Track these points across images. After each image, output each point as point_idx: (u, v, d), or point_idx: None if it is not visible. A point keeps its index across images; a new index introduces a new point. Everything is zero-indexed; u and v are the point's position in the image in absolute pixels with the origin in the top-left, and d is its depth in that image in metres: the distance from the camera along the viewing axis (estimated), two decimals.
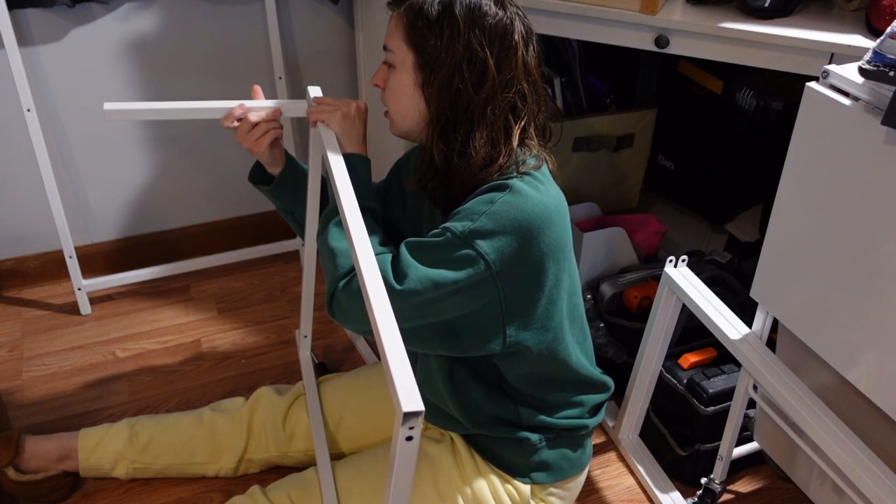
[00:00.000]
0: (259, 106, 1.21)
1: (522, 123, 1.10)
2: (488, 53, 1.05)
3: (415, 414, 0.70)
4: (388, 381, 0.74)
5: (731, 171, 1.95)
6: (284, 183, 1.30)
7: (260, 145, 1.22)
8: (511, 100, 1.08)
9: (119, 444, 1.46)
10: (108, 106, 1.18)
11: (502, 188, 1.05)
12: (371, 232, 1.10)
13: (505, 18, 1.06)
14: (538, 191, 1.07)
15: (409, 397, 0.71)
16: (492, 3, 1.06)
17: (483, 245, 1.02)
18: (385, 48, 1.12)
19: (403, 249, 1.06)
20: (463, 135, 1.07)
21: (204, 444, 1.47)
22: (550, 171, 1.14)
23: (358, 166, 1.15)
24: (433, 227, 1.08)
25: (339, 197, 1.01)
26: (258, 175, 1.32)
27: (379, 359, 1.65)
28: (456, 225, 1.04)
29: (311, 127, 1.21)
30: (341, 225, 1.05)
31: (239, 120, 1.20)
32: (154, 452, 1.46)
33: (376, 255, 1.07)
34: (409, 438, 0.71)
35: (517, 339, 1.10)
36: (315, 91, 1.24)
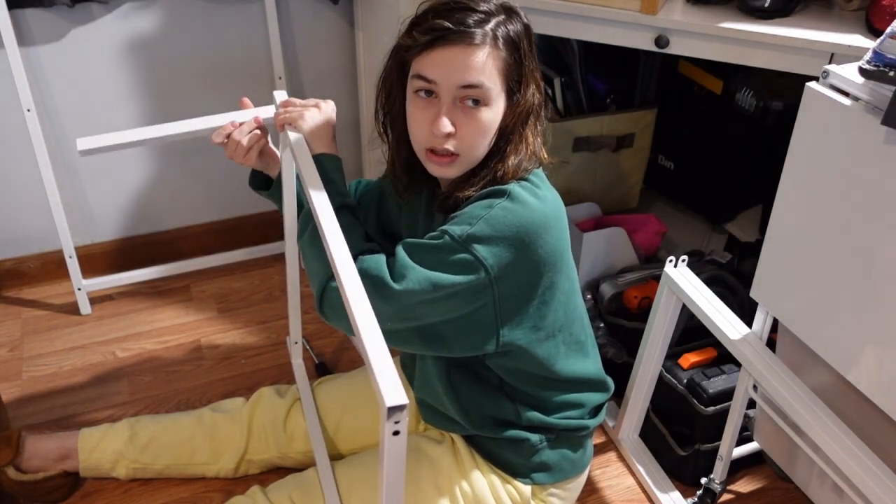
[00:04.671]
0: (233, 119, 1.20)
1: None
2: (535, 63, 1.08)
3: (399, 408, 0.70)
4: (371, 376, 0.74)
5: (731, 171, 1.95)
6: (281, 187, 1.30)
7: (249, 159, 1.23)
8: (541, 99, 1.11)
9: (119, 444, 1.46)
10: (81, 143, 1.15)
11: (500, 194, 1.05)
12: (352, 229, 1.10)
13: (527, 21, 1.08)
14: (536, 196, 1.07)
15: (393, 391, 0.71)
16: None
17: (481, 250, 1.02)
18: (468, 87, 1.02)
19: (401, 250, 1.06)
20: (515, 143, 1.08)
21: (204, 444, 1.47)
22: (545, 173, 1.14)
23: (328, 166, 1.14)
24: (430, 229, 1.09)
25: (311, 202, 1.01)
26: (257, 180, 1.33)
27: None
28: (454, 228, 1.03)
29: (280, 131, 1.20)
30: None
31: (227, 136, 1.19)
32: (154, 452, 1.46)
33: (366, 251, 1.07)
34: (397, 433, 0.71)
35: (510, 338, 1.10)
36: (281, 95, 1.24)
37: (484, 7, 1.03)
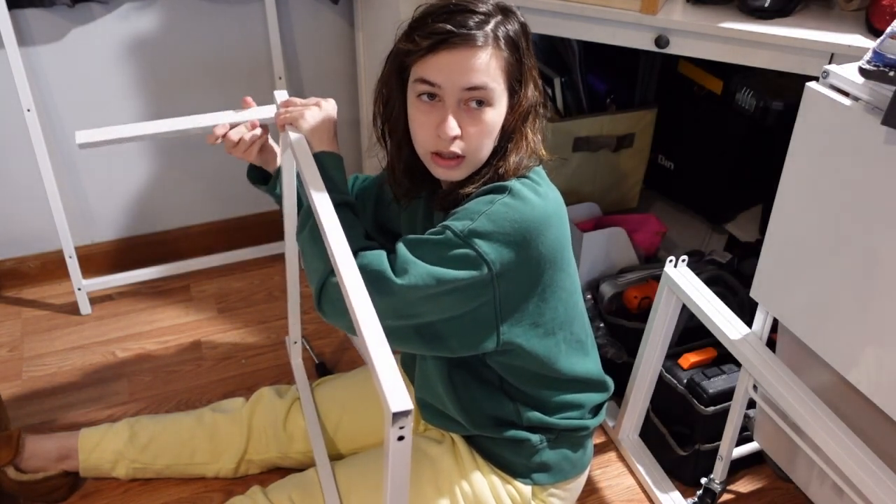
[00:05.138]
0: (233, 119, 1.20)
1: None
2: (534, 61, 1.08)
3: (404, 413, 0.69)
4: (375, 381, 0.73)
5: (731, 171, 1.95)
6: (279, 183, 1.31)
7: (249, 156, 1.23)
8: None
9: (119, 443, 1.46)
10: (80, 136, 1.15)
11: (502, 190, 1.06)
12: (352, 226, 1.10)
13: (524, 19, 1.09)
14: (537, 193, 1.07)
15: (398, 397, 0.70)
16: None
17: (483, 245, 1.02)
18: (472, 88, 1.02)
19: (401, 246, 1.06)
20: (517, 142, 1.09)
21: (204, 444, 1.47)
22: (545, 171, 1.14)
23: (329, 165, 1.13)
24: (430, 226, 1.09)
25: (311, 199, 1.01)
26: (255, 174, 1.32)
27: None
28: (455, 224, 1.04)
29: (280, 131, 1.20)
30: None
31: (220, 138, 1.20)
32: (154, 452, 1.46)
33: (366, 248, 1.07)
34: (401, 438, 0.70)
35: (510, 336, 1.10)
36: (282, 95, 1.24)
37: (482, 8, 1.03)
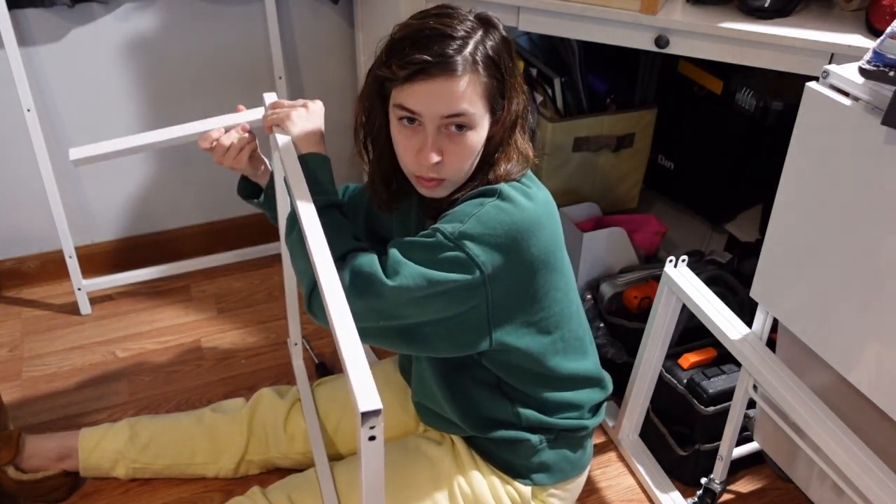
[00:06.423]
0: (223, 124, 1.20)
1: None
2: (517, 71, 1.07)
3: (373, 413, 0.70)
4: (347, 381, 0.74)
5: (731, 171, 1.95)
6: (271, 196, 1.31)
7: (239, 163, 1.23)
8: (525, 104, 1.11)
9: (119, 443, 1.46)
10: (74, 153, 1.15)
11: (491, 193, 1.06)
12: (340, 228, 1.10)
13: (506, 32, 1.07)
14: (527, 196, 1.07)
15: (367, 397, 0.71)
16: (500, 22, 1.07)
17: (473, 248, 1.02)
18: (452, 116, 1.02)
19: (393, 249, 1.05)
20: (505, 150, 1.09)
21: (204, 444, 1.47)
22: (534, 172, 1.15)
23: (315, 166, 1.13)
24: (422, 230, 1.09)
25: (295, 205, 1.01)
26: (246, 189, 1.32)
27: (379, 358, 1.65)
28: (446, 227, 1.04)
29: (268, 132, 1.20)
30: None
31: (215, 141, 1.20)
32: (154, 452, 1.46)
33: (356, 250, 1.07)
34: (373, 438, 0.71)
35: (502, 336, 1.10)
36: (270, 97, 1.24)
37: (461, 31, 1.01)
